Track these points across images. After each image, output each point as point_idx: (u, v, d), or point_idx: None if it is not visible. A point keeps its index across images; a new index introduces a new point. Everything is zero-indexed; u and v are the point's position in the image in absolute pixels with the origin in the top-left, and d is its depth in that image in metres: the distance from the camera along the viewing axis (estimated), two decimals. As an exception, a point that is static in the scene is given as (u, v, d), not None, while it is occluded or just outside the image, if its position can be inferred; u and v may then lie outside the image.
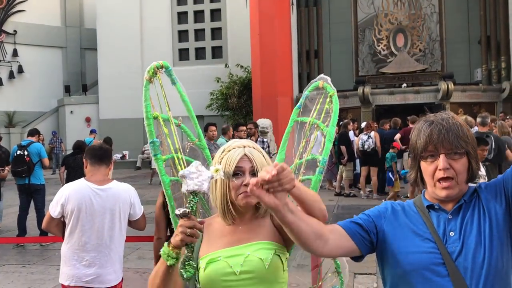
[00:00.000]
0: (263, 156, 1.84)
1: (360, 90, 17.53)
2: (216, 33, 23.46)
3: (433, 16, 20.61)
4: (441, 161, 1.62)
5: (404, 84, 18.16)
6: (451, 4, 20.33)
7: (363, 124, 12.63)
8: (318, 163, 2.06)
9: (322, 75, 2.17)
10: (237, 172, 1.77)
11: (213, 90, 20.92)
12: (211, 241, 1.82)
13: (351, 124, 13.16)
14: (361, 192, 11.97)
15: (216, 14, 23.40)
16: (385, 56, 20.59)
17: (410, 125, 11.80)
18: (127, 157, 22.07)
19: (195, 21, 23.58)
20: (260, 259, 1.73)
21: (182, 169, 1.99)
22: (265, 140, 9.25)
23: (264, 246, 1.77)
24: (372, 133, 11.57)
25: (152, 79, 2.00)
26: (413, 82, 18.37)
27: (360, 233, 1.73)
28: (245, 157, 1.79)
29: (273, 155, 10.17)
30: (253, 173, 1.77)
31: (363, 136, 11.64)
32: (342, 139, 12.00)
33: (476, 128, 8.48)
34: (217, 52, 23.40)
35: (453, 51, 20.31)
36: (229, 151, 1.82)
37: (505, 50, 18.89)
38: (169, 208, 2.06)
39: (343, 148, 11.88)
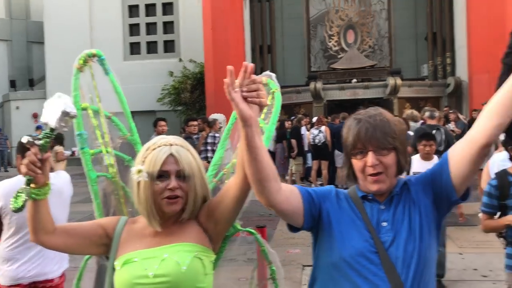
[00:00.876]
0: (192, 155, 1.72)
1: (312, 85, 17.77)
2: (169, 27, 23.20)
3: (382, 13, 21.13)
4: (370, 157, 1.67)
5: (354, 80, 18.54)
6: (399, 1, 20.88)
7: (315, 119, 12.84)
8: None
9: (267, 72, 2.11)
10: (162, 174, 1.65)
11: (165, 84, 20.70)
12: (130, 241, 1.72)
13: (304, 119, 13.35)
14: (312, 185, 12.17)
15: (168, 8, 23.13)
16: (336, 52, 20.95)
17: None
18: (76, 154, 21.50)
19: (147, 15, 23.23)
20: (177, 262, 1.63)
21: (112, 165, 1.92)
22: (216, 135, 9.23)
23: (184, 248, 1.68)
24: (323, 128, 11.77)
25: (82, 68, 1.91)
26: (363, 77, 18.77)
27: (311, 201, 1.75)
28: (171, 158, 1.66)
29: (225, 150, 10.15)
30: (179, 176, 1.66)
31: (314, 131, 11.83)
32: (293, 133, 12.16)
33: (420, 123, 8.78)
34: (170, 46, 23.16)
35: (401, 47, 20.90)
36: (154, 149, 1.68)
37: (450, 46, 19.59)
38: (94, 206, 1.94)
39: (293, 141, 12.04)
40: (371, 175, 1.69)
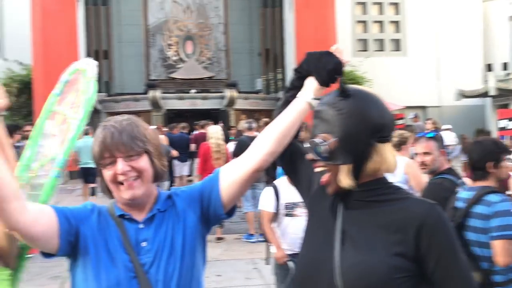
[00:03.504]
0: None
1: (150, 94, 17.59)
2: (-9, 24, 21.02)
3: (219, 26, 21.78)
4: (119, 164, 1.53)
5: (193, 90, 18.80)
6: (235, 17, 21.75)
7: (153, 127, 12.72)
8: (54, 165, 1.79)
9: (88, 59, 1.93)
10: None
11: (-14, 86, 18.70)
12: None
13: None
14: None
15: (-10, 4, 20.97)
16: (175, 61, 21.02)
17: (200, 130, 12.29)
18: None
19: (-36, 9, 20.78)
20: None
21: None
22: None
23: None
24: (162, 137, 11.70)
25: None
26: (202, 88, 19.13)
27: (67, 222, 1.55)
28: None
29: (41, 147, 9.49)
30: None
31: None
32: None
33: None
34: (-8, 46, 20.98)
35: (237, 61, 21.75)
36: None
37: (281, 62, 20.95)
38: None
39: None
40: (124, 181, 1.55)
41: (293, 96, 1.74)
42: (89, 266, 1.55)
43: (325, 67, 1.64)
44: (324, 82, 1.66)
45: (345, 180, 1.48)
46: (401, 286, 1.39)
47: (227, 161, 7.92)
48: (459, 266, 1.43)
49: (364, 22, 22.85)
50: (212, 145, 8.00)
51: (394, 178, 5.01)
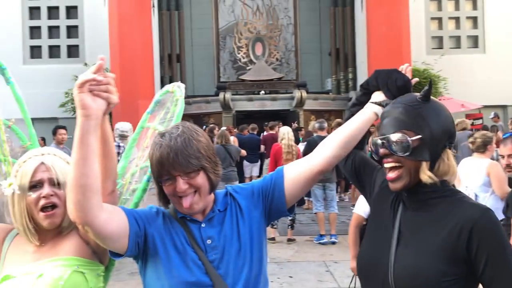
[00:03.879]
0: (66, 163, 1.67)
1: (221, 95, 17.89)
2: (73, 31, 22.21)
3: (289, 27, 21.80)
4: (179, 183, 1.57)
5: (262, 92, 18.92)
6: (305, 17, 21.68)
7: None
8: (148, 171, 1.89)
9: (178, 83, 2.11)
10: (35, 184, 1.61)
11: (69, 89, 19.76)
12: (15, 255, 1.66)
13: (216, 128, 13.38)
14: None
15: (72, 12, 22.17)
16: (245, 63, 21.26)
17: (269, 131, 12.33)
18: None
19: (49, 17, 22.10)
20: (54, 278, 1.57)
21: (10, 174, 1.84)
22: (121, 144, 8.97)
23: (63, 262, 1.62)
24: (232, 138, 11.86)
25: None
26: (271, 89, 19.22)
27: (136, 224, 1.60)
28: (42, 166, 1.63)
29: (132, 159, 9.88)
30: (53, 183, 1.62)
31: (223, 141, 11.89)
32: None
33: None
34: (73, 51, 22.15)
35: (306, 61, 21.66)
36: (25, 162, 1.65)
37: (351, 62, 20.61)
38: None
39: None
40: (183, 197, 1.60)
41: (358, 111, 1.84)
42: (160, 265, 1.59)
43: (395, 84, 1.73)
44: (393, 97, 1.72)
45: (426, 175, 1.55)
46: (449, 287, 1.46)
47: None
48: (509, 269, 1.46)
49: (438, 18, 22.01)
50: (283, 145, 8.00)
51: (476, 180, 4.77)
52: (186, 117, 1.81)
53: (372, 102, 1.79)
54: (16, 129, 2.00)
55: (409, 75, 1.81)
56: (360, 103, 1.87)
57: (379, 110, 1.75)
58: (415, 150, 1.53)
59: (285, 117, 17.26)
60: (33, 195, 1.60)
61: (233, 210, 1.71)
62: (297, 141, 9.83)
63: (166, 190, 1.61)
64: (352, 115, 1.84)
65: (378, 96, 1.80)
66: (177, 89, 1.98)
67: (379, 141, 1.58)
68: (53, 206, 1.63)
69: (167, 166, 1.56)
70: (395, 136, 1.54)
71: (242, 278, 1.61)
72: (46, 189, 1.60)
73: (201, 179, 1.60)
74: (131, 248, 1.57)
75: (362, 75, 19.47)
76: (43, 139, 10.08)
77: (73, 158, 1.41)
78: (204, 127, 14.16)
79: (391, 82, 1.73)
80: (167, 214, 1.69)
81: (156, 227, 1.64)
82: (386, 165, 1.59)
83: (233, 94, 18.42)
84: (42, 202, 1.60)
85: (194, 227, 1.65)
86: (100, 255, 1.71)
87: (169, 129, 1.63)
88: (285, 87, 19.54)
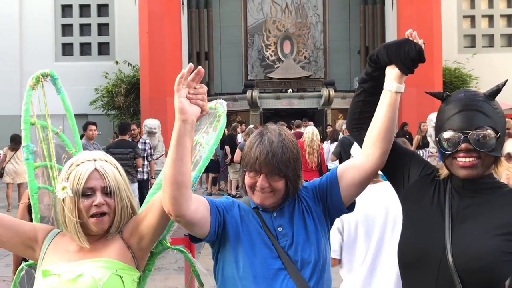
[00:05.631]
0: (117, 170, 1.75)
1: (248, 93, 17.89)
2: (103, 28, 22.58)
3: (317, 25, 21.66)
4: (260, 180, 1.74)
5: (290, 90, 18.84)
6: (334, 15, 21.50)
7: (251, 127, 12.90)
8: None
9: (220, 100, 2.16)
10: (87, 190, 1.67)
11: (99, 85, 20.09)
12: (56, 253, 1.71)
13: (240, 126, 13.40)
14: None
15: (103, 9, 22.53)
16: (272, 61, 21.21)
17: (296, 129, 12.29)
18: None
19: (81, 15, 22.52)
20: (94, 278, 1.62)
21: (54, 178, 1.91)
22: (147, 141, 9.08)
23: (104, 264, 1.67)
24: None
25: (35, 86, 1.95)
26: (298, 88, 19.13)
27: (217, 212, 1.76)
28: (95, 173, 1.69)
29: (160, 156, 10.01)
30: (105, 192, 1.68)
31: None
32: (228, 140, 12.16)
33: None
34: (104, 49, 22.54)
35: (335, 59, 21.49)
36: (78, 165, 1.70)
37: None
38: (33, 216, 1.91)
39: (227, 148, 12.06)
40: (260, 190, 1.76)
41: (372, 88, 1.85)
42: (240, 249, 1.74)
43: (408, 55, 1.72)
44: (409, 70, 1.73)
45: (504, 168, 1.65)
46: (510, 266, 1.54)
47: (320, 158, 8.23)
48: None
49: (471, 16, 21.56)
50: (305, 140, 8.10)
51: None
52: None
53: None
54: (63, 136, 2.06)
55: (416, 41, 1.76)
56: (371, 79, 1.85)
57: (399, 87, 1.76)
58: (495, 146, 1.60)
59: (312, 115, 17.17)
60: (86, 202, 1.66)
61: (299, 204, 1.85)
62: (323, 139, 9.77)
63: (247, 180, 1.78)
64: (365, 91, 1.87)
65: (392, 71, 1.77)
66: (220, 106, 2.06)
67: (460, 136, 1.59)
68: (103, 213, 1.69)
69: (261, 164, 1.72)
70: (481, 133, 1.59)
71: (310, 264, 1.74)
72: (98, 198, 1.65)
73: (281, 184, 1.75)
74: (211, 233, 1.72)
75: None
76: (82, 136, 10.19)
77: (170, 158, 1.54)
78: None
79: (404, 56, 1.72)
80: (241, 203, 1.87)
81: (234, 215, 1.80)
82: (464, 160, 1.61)
83: (260, 92, 18.41)
84: (93, 210, 1.66)
85: (266, 216, 1.81)
86: (138, 261, 1.75)
87: (272, 130, 1.79)
88: (313, 85, 19.43)
